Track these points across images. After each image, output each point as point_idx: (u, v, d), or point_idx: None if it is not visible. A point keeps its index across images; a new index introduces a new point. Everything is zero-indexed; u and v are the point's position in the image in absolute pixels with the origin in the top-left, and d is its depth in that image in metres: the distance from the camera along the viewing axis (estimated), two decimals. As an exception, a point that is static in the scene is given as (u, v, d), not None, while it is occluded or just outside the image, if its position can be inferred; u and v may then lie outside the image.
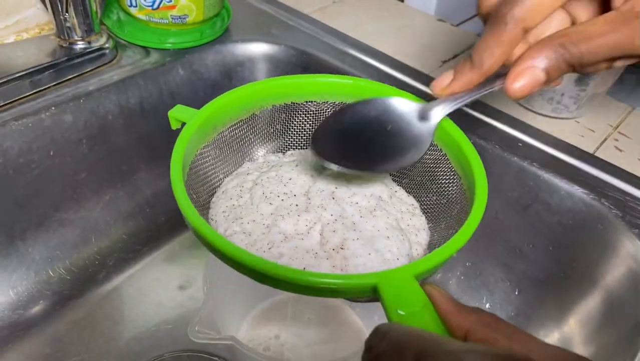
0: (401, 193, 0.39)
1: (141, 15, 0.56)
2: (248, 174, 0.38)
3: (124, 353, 0.49)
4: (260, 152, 0.41)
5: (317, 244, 0.32)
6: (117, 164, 0.55)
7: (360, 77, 0.41)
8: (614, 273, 0.44)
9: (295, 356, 0.48)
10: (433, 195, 0.37)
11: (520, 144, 0.50)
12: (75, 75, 0.51)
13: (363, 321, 0.51)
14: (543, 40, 0.29)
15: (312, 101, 0.39)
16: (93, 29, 0.53)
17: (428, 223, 0.37)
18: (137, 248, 0.57)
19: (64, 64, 0.52)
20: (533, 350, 0.19)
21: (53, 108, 0.49)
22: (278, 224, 0.32)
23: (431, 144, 0.35)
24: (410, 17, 0.70)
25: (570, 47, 0.28)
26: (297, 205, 0.34)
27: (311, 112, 0.40)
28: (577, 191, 0.46)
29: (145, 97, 0.54)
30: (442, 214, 0.36)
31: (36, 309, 0.51)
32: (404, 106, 0.35)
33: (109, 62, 0.53)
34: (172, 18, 0.55)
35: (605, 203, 0.45)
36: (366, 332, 0.50)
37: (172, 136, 0.57)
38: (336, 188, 0.35)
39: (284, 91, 0.38)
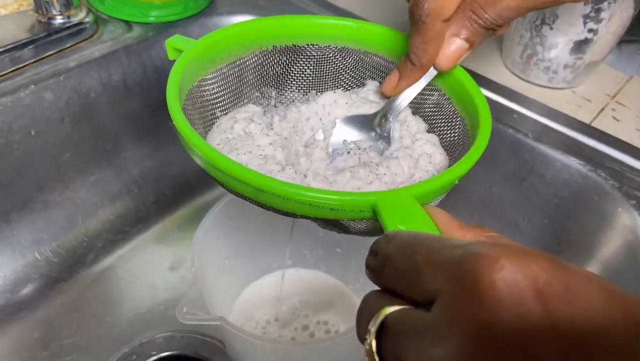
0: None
1: (122, -12, 0.54)
2: (242, 105, 0.37)
3: (115, 335, 0.48)
4: (258, 94, 0.40)
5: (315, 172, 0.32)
6: (102, 144, 0.54)
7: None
8: (611, 244, 0.44)
9: (287, 335, 0.47)
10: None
11: (515, 116, 0.49)
12: (54, 51, 0.50)
13: (358, 298, 0.50)
14: (457, 10, 0.31)
15: (314, 44, 0.38)
16: (72, 3, 0.51)
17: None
18: (126, 229, 0.56)
19: (43, 40, 0.50)
20: None
21: (32, 86, 0.47)
22: (276, 155, 0.33)
23: (436, 89, 0.36)
24: (402, -13, 0.68)
25: (481, 13, 0.31)
26: (296, 136, 0.34)
27: (313, 57, 0.39)
28: (573, 162, 0.45)
29: (129, 74, 0.52)
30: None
31: (24, 292, 0.50)
32: (363, 122, 0.37)
33: (90, 37, 0.52)
34: (155, -10, 0.53)
35: (602, 174, 0.44)
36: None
37: (157, 113, 0.56)
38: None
39: (286, 30, 0.37)
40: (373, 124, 0.36)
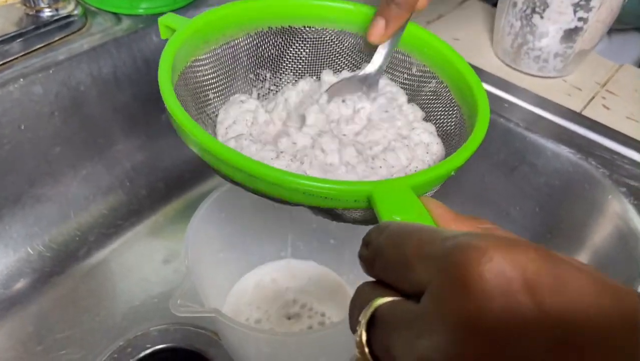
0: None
1: (110, -20, 0.53)
2: (243, 101, 0.37)
3: (109, 329, 0.48)
4: (252, 76, 0.39)
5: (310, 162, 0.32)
6: (93, 137, 0.53)
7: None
8: (602, 232, 0.44)
9: (281, 326, 0.47)
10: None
11: (506, 105, 0.49)
12: (43, 44, 0.49)
13: (352, 289, 0.50)
14: None
15: (311, 27, 0.38)
16: (60, -5, 0.51)
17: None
18: (119, 223, 0.56)
19: (31, 33, 0.50)
20: None
21: (21, 80, 0.47)
22: (276, 142, 0.32)
23: (434, 77, 0.36)
24: (393, -23, 0.67)
25: None
26: (297, 124, 0.34)
27: (309, 40, 0.38)
28: (564, 150, 0.46)
29: (119, 66, 0.52)
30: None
31: (17, 287, 0.50)
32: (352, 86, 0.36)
33: (78, 30, 0.51)
34: (144, -19, 0.53)
35: (592, 162, 0.44)
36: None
37: (148, 106, 0.56)
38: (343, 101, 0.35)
39: (283, 11, 0.37)
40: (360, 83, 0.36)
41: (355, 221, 0.29)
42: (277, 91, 0.39)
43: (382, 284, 0.19)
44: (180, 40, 0.32)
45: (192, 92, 0.34)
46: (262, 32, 0.37)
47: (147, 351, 0.46)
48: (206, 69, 0.35)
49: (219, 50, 0.36)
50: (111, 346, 0.46)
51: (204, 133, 0.27)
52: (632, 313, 0.15)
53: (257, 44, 0.37)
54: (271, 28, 0.37)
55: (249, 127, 0.34)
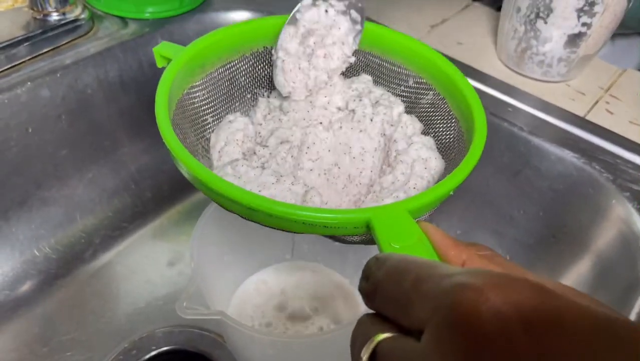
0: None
1: (117, -16, 0.53)
2: (231, 121, 0.37)
3: (114, 331, 0.48)
4: (249, 95, 0.39)
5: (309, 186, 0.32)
6: (99, 140, 0.54)
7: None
8: (605, 236, 0.44)
9: (286, 329, 0.47)
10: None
11: (510, 110, 0.50)
12: (50, 48, 0.50)
13: (356, 291, 0.51)
14: None
15: None
16: (67, 0, 0.51)
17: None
18: (124, 225, 0.56)
19: (39, 37, 0.50)
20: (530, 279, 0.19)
21: (29, 83, 0.47)
22: (271, 166, 0.32)
23: (431, 89, 0.36)
24: (397, -19, 0.68)
25: None
26: (291, 148, 0.34)
27: None
28: (568, 155, 0.46)
29: (125, 70, 0.53)
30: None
31: (23, 289, 0.50)
32: None
33: (85, 34, 0.52)
34: (150, -14, 0.53)
35: (596, 167, 0.45)
36: (360, 303, 0.50)
37: (153, 109, 0.56)
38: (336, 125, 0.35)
39: (276, 31, 0.37)
40: None
41: (358, 243, 0.29)
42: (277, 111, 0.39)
43: (382, 318, 0.19)
44: (175, 70, 0.32)
45: (190, 118, 0.34)
46: (257, 52, 0.38)
47: (152, 353, 0.46)
48: (203, 94, 0.36)
49: (215, 74, 0.36)
50: (116, 348, 0.47)
51: (201, 166, 0.27)
52: (631, 349, 0.15)
53: (252, 64, 0.38)
54: (266, 48, 0.38)
55: (240, 146, 0.34)
